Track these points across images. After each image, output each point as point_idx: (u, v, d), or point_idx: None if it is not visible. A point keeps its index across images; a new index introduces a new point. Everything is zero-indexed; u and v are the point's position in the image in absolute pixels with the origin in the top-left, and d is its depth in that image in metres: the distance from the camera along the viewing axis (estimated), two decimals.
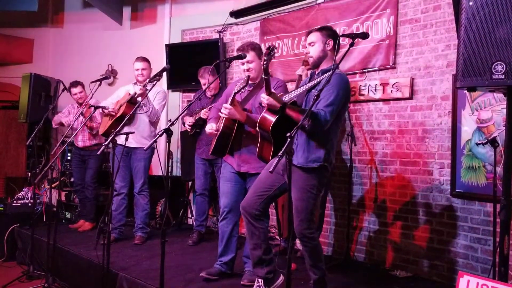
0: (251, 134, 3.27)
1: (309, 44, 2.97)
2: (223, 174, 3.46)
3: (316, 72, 2.98)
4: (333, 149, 2.94)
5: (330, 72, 2.66)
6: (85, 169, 5.27)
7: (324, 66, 2.94)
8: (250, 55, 3.30)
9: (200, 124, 4.51)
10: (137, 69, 4.61)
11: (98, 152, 3.44)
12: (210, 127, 3.35)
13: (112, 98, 4.76)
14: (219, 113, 3.19)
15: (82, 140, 5.20)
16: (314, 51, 2.94)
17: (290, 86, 4.31)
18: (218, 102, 3.68)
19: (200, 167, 4.64)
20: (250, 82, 3.37)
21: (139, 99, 4.26)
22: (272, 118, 2.83)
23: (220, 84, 4.71)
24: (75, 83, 5.23)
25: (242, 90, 3.22)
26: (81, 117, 4.97)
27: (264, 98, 2.76)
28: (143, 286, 3.34)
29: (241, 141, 3.31)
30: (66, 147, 4.35)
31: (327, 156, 2.87)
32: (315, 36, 2.94)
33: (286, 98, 2.85)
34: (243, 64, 3.33)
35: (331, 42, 2.92)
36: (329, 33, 2.94)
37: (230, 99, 3.18)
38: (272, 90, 2.77)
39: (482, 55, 2.24)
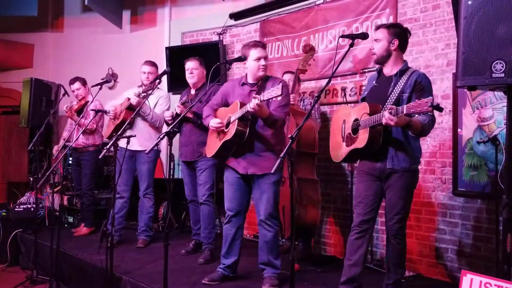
0: (260, 136, 3.25)
1: (375, 40, 2.94)
2: (226, 178, 3.42)
3: (393, 75, 2.90)
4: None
5: (412, 75, 2.82)
6: (81, 174, 5.20)
7: (397, 66, 2.92)
8: (266, 52, 3.36)
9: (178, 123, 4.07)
10: (144, 72, 4.59)
11: (100, 156, 3.45)
12: (215, 122, 3.30)
13: (117, 100, 4.76)
14: (250, 108, 3.02)
15: (76, 139, 5.09)
16: (377, 48, 2.92)
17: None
18: (211, 101, 3.59)
19: (186, 173, 4.30)
20: (251, 82, 3.36)
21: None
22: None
23: (206, 80, 4.23)
24: (73, 80, 5.19)
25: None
26: (75, 115, 4.98)
27: (392, 120, 2.60)
28: None
29: (248, 144, 3.26)
30: (68, 152, 4.34)
31: (420, 148, 2.97)
32: (381, 33, 2.92)
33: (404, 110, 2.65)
34: (259, 59, 3.28)
35: (396, 42, 2.88)
36: (395, 31, 2.90)
37: (260, 98, 2.99)
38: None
39: (481, 54, 2.25)
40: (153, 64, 4.66)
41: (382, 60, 2.94)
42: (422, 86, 2.78)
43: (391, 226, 2.90)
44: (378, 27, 2.99)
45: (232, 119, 3.21)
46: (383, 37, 2.89)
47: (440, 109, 2.39)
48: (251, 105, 2.99)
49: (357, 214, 2.96)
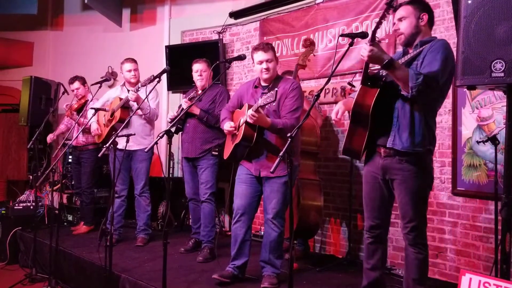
0: (271, 139, 3.26)
1: (399, 19, 2.62)
2: (238, 175, 3.43)
3: (414, 45, 2.60)
4: (435, 129, 2.62)
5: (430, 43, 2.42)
6: (81, 172, 5.23)
7: (420, 38, 2.59)
8: (270, 54, 3.29)
9: (182, 119, 4.17)
10: (129, 70, 4.60)
11: (99, 155, 3.45)
12: (228, 125, 3.33)
13: (98, 103, 4.70)
14: (248, 119, 3.04)
15: (76, 138, 5.05)
16: (405, 27, 2.60)
17: None
18: (228, 104, 3.64)
19: (187, 170, 4.30)
20: (263, 84, 3.37)
21: (134, 103, 4.27)
22: (372, 93, 2.48)
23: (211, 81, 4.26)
24: (72, 79, 5.21)
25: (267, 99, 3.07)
26: (74, 114, 4.98)
27: (366, 49, 2.40)
28: (146, 287, 3.34)
29: (260, 148, 3.27)
30: (67, 150, 4.34)
31: (432, 136, 2.57)
32: (405, 10, 2.60)
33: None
34: (261, 63, 3.26)
35: (425, 17, 2.58)
36: (422, 6, 2.61)
37: (255, 107, 3.02)
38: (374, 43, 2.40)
39: (481, 53, 2.25)
40: (135, 61, 4.67)
41: (411, 40, 2.60)
42: (430, 51, 2.45)
43: (406, 234, 2.58)
44: (398, 6, 2.64)
45: (241, 123, 3.25)
46: (409, 13, 2.59)
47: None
48: (246, 117, 3.02)
49: (366, 218, 2.79)
